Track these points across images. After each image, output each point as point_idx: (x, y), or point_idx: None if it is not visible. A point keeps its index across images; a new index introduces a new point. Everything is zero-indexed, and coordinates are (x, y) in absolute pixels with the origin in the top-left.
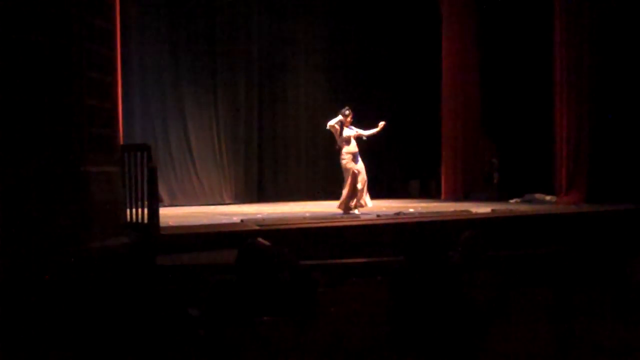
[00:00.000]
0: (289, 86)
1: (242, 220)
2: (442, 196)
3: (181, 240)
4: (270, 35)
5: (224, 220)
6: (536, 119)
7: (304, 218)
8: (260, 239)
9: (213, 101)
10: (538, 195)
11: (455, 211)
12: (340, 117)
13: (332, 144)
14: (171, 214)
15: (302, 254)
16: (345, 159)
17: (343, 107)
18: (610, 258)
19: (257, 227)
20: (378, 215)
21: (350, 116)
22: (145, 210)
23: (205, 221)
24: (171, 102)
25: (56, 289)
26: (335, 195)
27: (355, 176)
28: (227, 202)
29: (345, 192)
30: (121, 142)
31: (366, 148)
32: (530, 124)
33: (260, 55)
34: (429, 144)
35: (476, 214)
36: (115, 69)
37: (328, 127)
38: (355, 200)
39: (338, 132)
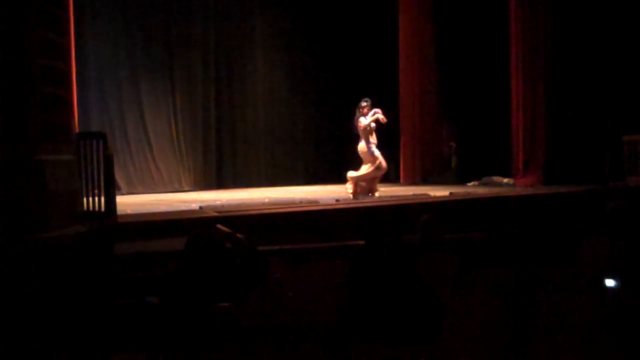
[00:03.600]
0: (246, 72)
1: (200, 207)
2: (401, 180)
3: (139, 228)
4: (228, 22)
5: (183, 207)
6: (493, 102)
7: (263, 204)
8: (220, 226)
9: (170, 88)
10: (496, 178)
11: (414, 195)
12: (363, 117)
13: (290, 129)
14: (129, 202)
15: (261, 239)
16: (373, 147)
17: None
18: (565, 238)
19: (216, 214)
20: (337, 200)
21: (367, 107)
22: (102, 199)
23: (163, 208)
24: (128, 89)
25: (13, 279)
26: (295, 181)
27: (378, 165)
28: (186, 189)
29: (363, 174)
30: (77, 130)
31: (327, 134)
32: (488, 107)
33: (218, 42)
34: (388, 129)
35: (434, 197)
36: (69, 57)
37: (366, 127)
38: (360, 186)
39: (370, 126)
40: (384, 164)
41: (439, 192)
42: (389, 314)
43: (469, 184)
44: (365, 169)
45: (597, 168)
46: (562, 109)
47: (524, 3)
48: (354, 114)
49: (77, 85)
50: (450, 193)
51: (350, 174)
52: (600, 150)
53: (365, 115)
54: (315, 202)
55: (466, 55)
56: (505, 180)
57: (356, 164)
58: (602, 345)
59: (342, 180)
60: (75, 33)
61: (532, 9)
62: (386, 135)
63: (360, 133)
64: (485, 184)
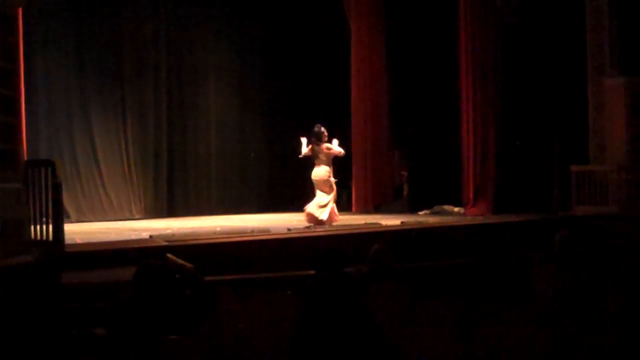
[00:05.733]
0: (198, 100)
1: (150, 236)
2: (353, 209)
3: (88, 257)
4: (179, 49)
5: (133, 236)
6: (444, 133)
7: (214, 233)
8: (170, 256)
9: (121, 115)
10: (447, 207)
11: (365, 224)
12: (329, 144)
13: (242, 158)
14: (79, 231)
15: (212, 269)
16: (330, 175)
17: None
18: (514, 267)
19: (166, 243)
20: (289, 229)
21: (325, 133)
22: (50, 228)
23: (113, 237)
24: (78, 116)
25: None
26: (247, 209)
27: (335, 192)
28: (137, 217)
29: (332, 205)
30: (25, 157)
31: (280, 163)
32: (439, 137)
33: (170, 68)
34: (340, 158)
35: (386, 226)
36: (18, 83)
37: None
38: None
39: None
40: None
41: (391, 221)
42: (332, 348)
43: (420, 213)
44: (326, 195)
45: (546, 198)
46: (511, 140)
47: (474, 37)
48: (311, 140)
49: (26, 112)
50: (402, 222)
51: (315, 207)
52: (549, 180)
53: (325, 141)
54: (266, 231)
55: (418, 85)
56: (456, 209)
57: (307, 192)
58: None
59: (294, 208)
60: (25, 60)
61: (482, 42)
62: (339, 163)
63: (324, 158)
64: (436, 213)
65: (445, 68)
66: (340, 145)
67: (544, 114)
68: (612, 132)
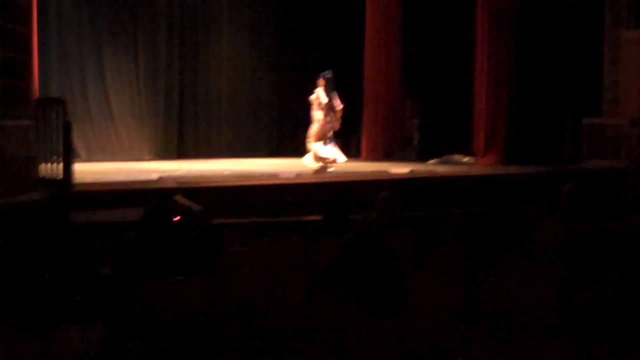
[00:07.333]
0: (211, 43)
1: (160, 177)
2: (362, 155)
3: (97, 196)
4: None
5: (142, 177)
6: (457, 81)
7: (223, 176)
8: (179, 197)
9: (133, 56)
10: (456, 157)
11: (373, 171)
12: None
13: (253, 100)
14: (88, 170)
15: (219, 211)
16: None
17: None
18: (521, 219)
19: (175, 185)
20: (297, 175)
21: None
22: (60, 166)
23: (123, 177)
24: (90, 55)
25: None
26: (258, 153)
27: None
28: (147, 158)
29: None
30: (37, 95)
31: (291, 108)
32: (451, 87)
33: (183, 10)
34: (351, 104)
35: (394, 174)
36: (30, 20)
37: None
38: None
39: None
40: None
41: (400, 169)
42: (354, 286)
43: (429, 162)
44: None
45: (557, 150)
46: (524, 91)
47: None
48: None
49: (38, 50)
50: (411, 171)
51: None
52: (560, 133)
53: None
54: (275, 175)
55: (432, 33)
56: (465, 159)
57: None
58: (552, 326)
59: (303, 153)
60: None
61: None
62: (350, 110)
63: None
64: (445, 162)
65: (460, 17)
66: (352, 91)
67: (559, 66)
68: (627, 86)
